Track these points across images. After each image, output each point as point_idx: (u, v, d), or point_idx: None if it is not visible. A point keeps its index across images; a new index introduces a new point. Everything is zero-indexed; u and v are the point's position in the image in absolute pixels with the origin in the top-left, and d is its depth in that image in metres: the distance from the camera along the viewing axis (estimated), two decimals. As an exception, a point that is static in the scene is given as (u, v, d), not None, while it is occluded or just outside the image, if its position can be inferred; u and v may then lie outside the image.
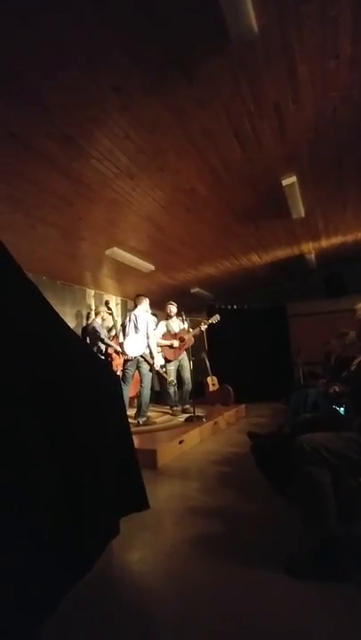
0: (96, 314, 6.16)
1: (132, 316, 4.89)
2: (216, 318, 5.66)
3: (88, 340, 5.68)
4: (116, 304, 7.67)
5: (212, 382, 6.24)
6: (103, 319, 6.04)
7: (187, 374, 5.30)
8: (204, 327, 5.54)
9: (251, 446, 2.78)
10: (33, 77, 2.26)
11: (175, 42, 2.19)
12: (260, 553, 1.76)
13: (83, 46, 2.12)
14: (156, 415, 5.15)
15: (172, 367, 5.29)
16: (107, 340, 5.63)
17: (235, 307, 7.88)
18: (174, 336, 5.38)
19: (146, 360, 4.76)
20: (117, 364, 5.61)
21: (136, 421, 4.49)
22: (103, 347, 5.70)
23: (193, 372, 5.30)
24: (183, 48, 2.23)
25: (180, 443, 3.79)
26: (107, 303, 6.77)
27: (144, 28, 2.07)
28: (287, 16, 2.12)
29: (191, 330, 5.45)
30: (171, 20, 2.04)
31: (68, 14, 1.92)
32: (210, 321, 5.63)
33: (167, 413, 5.27)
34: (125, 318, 5.05)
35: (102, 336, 5.60)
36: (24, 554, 1.01)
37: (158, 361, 5.11)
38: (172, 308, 5.57)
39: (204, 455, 3.66)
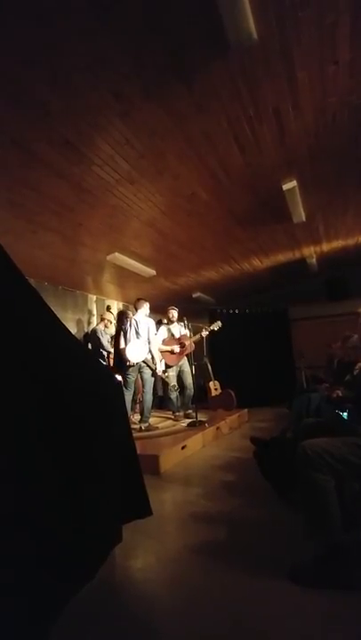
0: (101, 319, 6.16)
1: (133, 322, 4.87)
2: (217, 325, 5.64)
3: (90, 346, 5.67)
4: (118, 309, 7.68)
5: (214, 387, 6.21)
6: (107, 326, 6.03)
7: (188, 379, 5.28)
8: (204, 334, 5.52)
9: (254, 452, 2.76)
10: (34, 83, 2.28)
11: (175, 47, 2.20)
12: (263, 559, 1.74)
13: (83, 52, 2.14)
14: (159, 420, 5.13)
15: (172, 372, 5.27)
16: (108, 348, 5.63)
17: (236, 311, 7.87)
18: (176, 340, 5.37)
19: (148, 365, 4.75)
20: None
21: (138, 427, 4.48)
22: (105, 353, 5.68)
23: (195, 376, 5.29)
24: (183, 53, 2.25)
25: (183, 448, 3.77)
26: (108, 308, 6.77)
27: (144, 34, 2.09)
28: (286, 22, 2.13)
29: (192, 336, 5.44)
30: (170, 26, 2.06)
31: (69, 20, 1.94)
32: (211, 327, 5.61)
33: (169, 419, 5.25)
34: (126, 323, 5.01)
35: (104, 343, 5.60)
36: (24, 562, 0.99)
37: (160, 366, 5.09)
38: (174, 313, 5.57)
39: (206, 460, 3.64)
